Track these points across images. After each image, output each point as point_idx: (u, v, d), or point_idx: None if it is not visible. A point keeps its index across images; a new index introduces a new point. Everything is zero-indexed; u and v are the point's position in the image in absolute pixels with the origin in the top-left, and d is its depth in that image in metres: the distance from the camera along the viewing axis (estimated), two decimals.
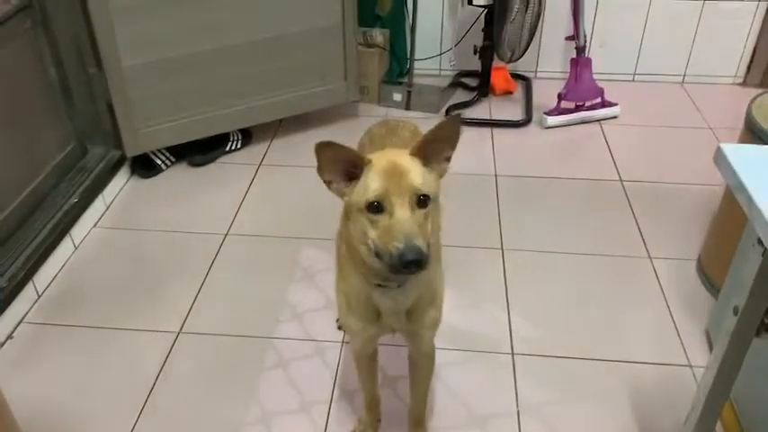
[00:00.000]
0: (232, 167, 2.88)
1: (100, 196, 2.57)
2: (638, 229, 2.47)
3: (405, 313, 1.36)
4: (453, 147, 1.22)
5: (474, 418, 1.78)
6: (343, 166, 1.17)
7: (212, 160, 2.89)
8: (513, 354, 1.96)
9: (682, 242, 2.39)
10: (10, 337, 2.01)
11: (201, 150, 2.88)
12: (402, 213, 1.12)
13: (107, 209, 2.60)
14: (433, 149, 1.20)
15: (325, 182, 1.20)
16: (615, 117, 3.23)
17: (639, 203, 2.62)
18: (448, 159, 1.23)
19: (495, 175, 2.80)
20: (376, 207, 1.13)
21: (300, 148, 2.97)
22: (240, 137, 2.97)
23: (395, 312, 1.34)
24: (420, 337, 1.46)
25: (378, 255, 1.15)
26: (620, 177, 2.79)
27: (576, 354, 1.97)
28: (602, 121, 3.21)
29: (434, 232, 1.35)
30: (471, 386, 1.87)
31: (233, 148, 2.95)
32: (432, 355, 1.56)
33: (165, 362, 1.93)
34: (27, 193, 2.30)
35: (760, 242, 1.01)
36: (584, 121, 3.19)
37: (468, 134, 3.13)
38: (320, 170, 1.18)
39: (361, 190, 1.16)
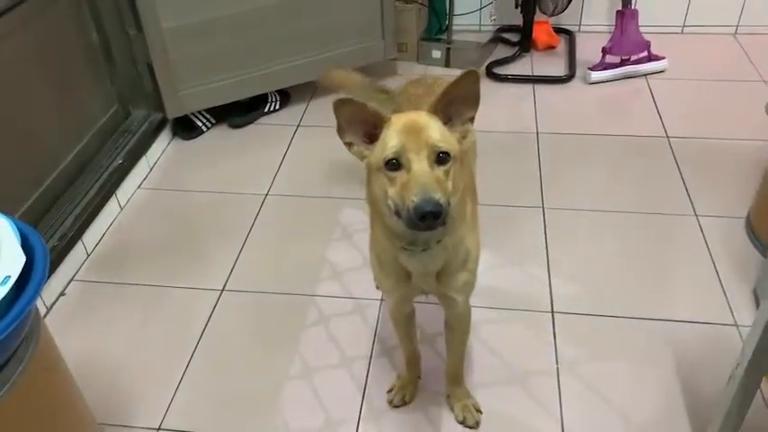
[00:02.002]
0: (271, 129, 2.89)
1: (143, 158, 2.61)
2: (685, 186, 2.41)
3: (435, 276, 1.34)
4: (474, 106, 1.19)
5: (513, 375, 1.79)
6: (362, 127, 1.16)
7: (251, 122, 2.91)
8: (552, 312, 1.95)
9: (730, 200, 2.31)
10: (62, 293, 2.09)
11: (241, 112, 2.90)
12: (419, 167, 1.10)
13: (150, 170, 2.65)
14: (453, 109, 1.18)
15: (345, 144, 1.19)
16: (662, 71, 3.12)
17: (686, 160, 2.54)
18: (471, 119, 1.20)
19: (537, 133, 2.75)
20: (394, 164, 1.12)
21: None
22: (278, 98, 2.98)
23: (423, 275, 1.34)
24: (452, 300, 1.44)
25: (398, 213, 1.13)
26: (666, 134, 2.70)
27: (617, 312, 1.94)
28: (648, 76, 3.10)
29: (466, 193, 1.33)
30: (510, 344, 1.87)
31: (271, 109, 2.96)
32: (466, 317, 1.55)
33: (209, 318, 1.99)
34: (73, 155, 2.36)
35: None
36: (629, 76, 3.09)
37: (509, 91, 3.07)
38: (340, 130, 1.17)
39: (379, 148, 1.15)
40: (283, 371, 1.82)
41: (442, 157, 1.12)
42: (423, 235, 1.19)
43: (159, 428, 1.69)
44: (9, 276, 1.02)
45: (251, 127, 2.90)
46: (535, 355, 1.84)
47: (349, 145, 1.19)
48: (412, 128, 1.13)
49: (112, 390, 1.79)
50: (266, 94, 2.93)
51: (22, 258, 1.06)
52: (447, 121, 1.18)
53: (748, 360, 1.19)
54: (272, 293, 2.07)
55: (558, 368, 1.79)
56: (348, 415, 1.70)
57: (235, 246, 2.25)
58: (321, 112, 2.97)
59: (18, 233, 1.12)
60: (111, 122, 2.58)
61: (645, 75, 3.10)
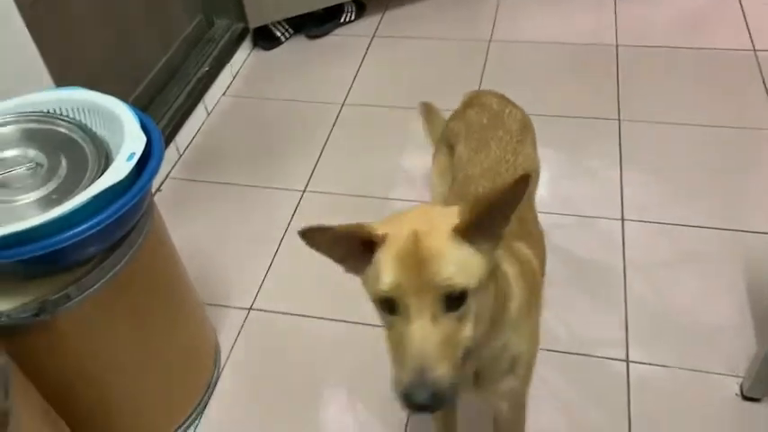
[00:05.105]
0: (347, 39, 2.94)
1: (227, 67, 2.73)
2: None
3: (471, 378, 1.04)
4: (511, 216, 0.86)
5: (580, 276, 1.86)
6: (351, 245, 0.88)
7: (328, 32, 2.96)
8: (623, 219, 2.00)
9: None
10: (159, 190, 2.27)
11: (317, 23, 2.95)
12: (418, 327, 0.80)
13: (233, 79, 2.76)
14: (489, 219, 0.84)
15: (335, 261, 0.93)
16: None
17: None
18: (502, 228, 0.87)
19: (616, 45, 2.69)
20: (389, 305, 0.84)
21: (412, 20, 2.97)
22: (354, 8, 3.00)
23: None
24: (496, 406, 1.19)
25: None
26: (753, 47, 2.60)
27: (689, 222, 1.97)
28: None
29: (523, 240, 1.07)
30: (578, 248, 1.94)
31: (347, 19, 3.00)
32: (518, 416, 1.24)
33: (293, 215, 2.13)
34: (163, 62, 2.49)
35: None
36: None
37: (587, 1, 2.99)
38: (321, 252, 0.92)
39: (372, 277, 0.86)
40: None
41: (455, 299, 0.82)
42: None
43: (251, 308, 1.87)
44: (134, 153, 1.16)
45: (327, 38, 2.95)
46: (602, 258, 1.90)
47: (342, 262, 0.92)
48: (414, 257, 0.81)
49: (206, 276, 1.96)
50: (342, 4, 2.96)
51: (144, 138, 1.19)
52: (475, 236, 0.84)
53: None
54: (349, 195, 2.19)
55: (624, 271, 1.85)
56: None
57: (314, 151, 2.36)
58: (396, 23, 2.99)
59: (138, 118, 1.25)
60: (195, 32, 2.69)
61: None
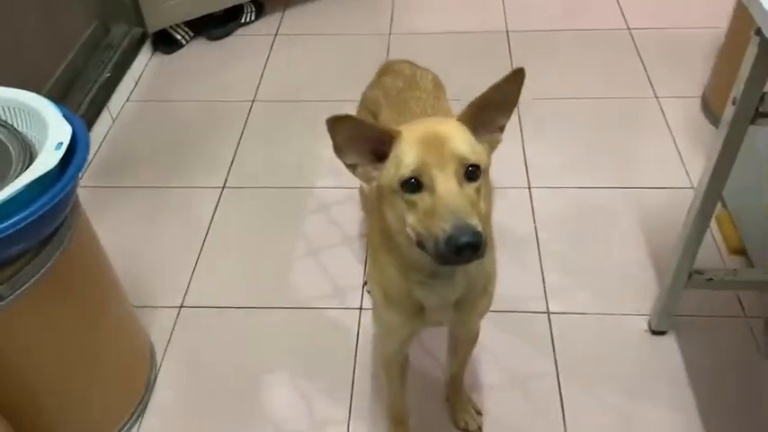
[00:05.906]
0: (249, 39, 2.95)
1: (128, 72, 2.67)
2: (646, 72, 2.59)
3: (452, 305, 1.15)
4: (511, 111, 1.02)
5: (498, 241, 1.97)
6: (367, 144, 0.97)
7: (229, 33, 2.96)
8: (529, 188, 2.15)
9: (686, 82, 2.51)
10: None
11: (218, 24, 2.95)
12: (446, 187, 0.90)
13: (136, 84, 2.71)
14: (487, 115, 1.00)
15: (347, 166, 1.00)
16: None
17: (646, 49, 2.71)
18: (502, 129, 1.03)
19: (507, 31, 2.87)
20: (413, 184, 0.92)
21: (313, 17, 3.03)
22: (254, 9, 3.03)
23: (440, 307, 1.15)
24: (468, 325, 1.32)
25: (421, 244, 0.93)
26: (627, 26, 2.86)
27: (587, 183, 2.15)
28: None
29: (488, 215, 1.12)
30: (494, 216, 2.06)
31: (248, 20, 3.01)
32: (478, 331, 1.40)
33: (215, 211, 2.13)
34: (60, 71, 2.40)
35: (758, 32, 1.14)
36: None
37: None
38: (338, 151, 0.97)
39: (392, 166, 0.95)
40: (289, 252, 1.99)
41: (471, 172, 0.93)
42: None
43: (181, 306, 1.86)
44: (62, 142, 1.15)
45: (229, 38, 2.96)
46: (515, 221, 2.04)
47: (352, 167, 0.99)
48: (432, 139, 0.94)
49: (132, 279, 1.90)
50: (242, 5, 2.97)
51: (69, 127, 1.18)
52: (473, 129, 1.00)
53: (703, 193, 1.39)
54: (272, 188, 2.22)
55: (536, 228, 2.00)
56: (354, 282, 1.89)
57: (229, 148, 2.37)
58: (297, 21, 3.04)
59: (59, 109, 1.23)
60: (92, 38, 2.61)
61: None
